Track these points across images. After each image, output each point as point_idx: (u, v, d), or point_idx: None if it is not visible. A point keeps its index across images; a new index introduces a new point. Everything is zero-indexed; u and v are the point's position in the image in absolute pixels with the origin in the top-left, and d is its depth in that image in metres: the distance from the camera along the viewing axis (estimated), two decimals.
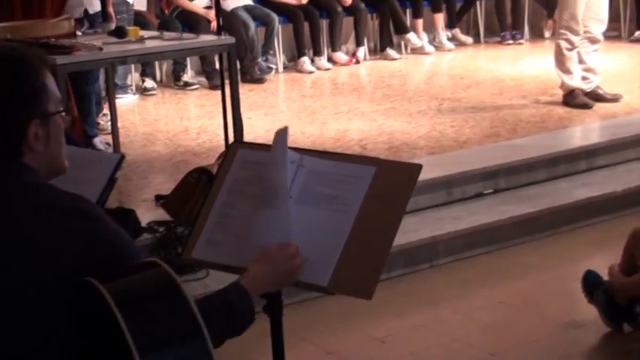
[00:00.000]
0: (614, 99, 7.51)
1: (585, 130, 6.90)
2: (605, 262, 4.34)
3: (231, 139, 6.01)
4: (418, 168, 2.50)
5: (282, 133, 2.54)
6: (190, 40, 5.82)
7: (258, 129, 7.19)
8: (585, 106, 7.31)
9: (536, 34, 11.18)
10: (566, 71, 7.40)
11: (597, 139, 6.68)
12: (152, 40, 5.67)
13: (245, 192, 2.60)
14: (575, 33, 7.28)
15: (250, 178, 2.62)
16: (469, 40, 10.98)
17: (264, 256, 2.34)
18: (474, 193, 5.79)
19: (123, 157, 3.27)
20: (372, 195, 2.48)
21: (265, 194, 2.48)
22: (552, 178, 6.07)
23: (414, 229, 5.19)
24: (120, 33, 5.62)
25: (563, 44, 7.33)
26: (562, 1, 7.34)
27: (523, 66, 9.48)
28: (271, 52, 9.56)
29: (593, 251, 5.25)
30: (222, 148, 5.94)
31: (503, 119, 7.13)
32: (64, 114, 2.21)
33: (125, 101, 8.35)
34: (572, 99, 7.40)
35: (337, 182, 2.52)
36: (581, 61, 7.44)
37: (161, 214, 5.15)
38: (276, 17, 9.47)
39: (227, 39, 5.92)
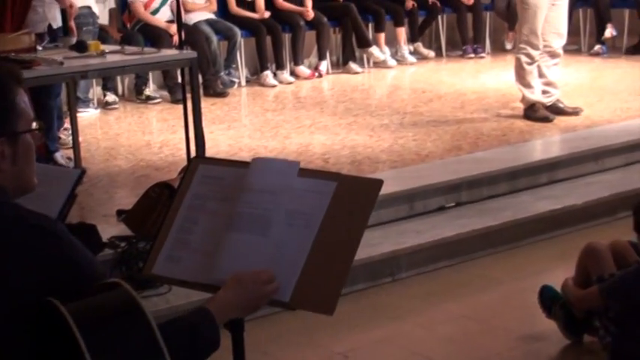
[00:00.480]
0: (575, 112, 7.58)
1: (546, 144, 6.96)
2: (566, 275, 4.36)
3: (193, 153, 6.02)
4: (379, 183, 2.51)
5: (268, 162, 2.53)
6: (152, 54, 5.81)
7: (220, 143, 7.19)
8: (546, 120, 7.37)
9: (498, 48, 11.26)
10: (527, 85, 7.45)
11: (558, 152, 6.73)
12: (113, 55, 5.66)
13: (206, 208, 2.60)
14: (535, 47, 7.34)
15: (211, 193, 2.62)
16: (431, 53, 11.04)
17: (237, 283, 2.32)
18: (435, 207, 5.81)
19: (83, 172, 3.25)
20: (333, 210, 2.48)
21: (243, 217, 2.48)
22: (514, 191, 6.11)
23: (376, 243, 5.19)
24: (81, 47, 5.60)
25: (524, 58, 7.39)
26: (522, 15, 7.39)
27: (484, 79, 9.54)
28: (234, 65, 9.56)
29: (554, 264, 5.28)
30: (185, 163, 5.93)
31: (465, 133, 7.17)
32: (36, 131, 2.18)
33: (87, 115, 8.31)
34: (533, 112, 7.45)
35: (298, 197, 2.51)
36: (541, 75, 7.50)
37: (123, 229, 5.12)
38: (238, 31, 9.47)
39: (188, 53, 5.92)
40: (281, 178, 2.53)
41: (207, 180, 2.66)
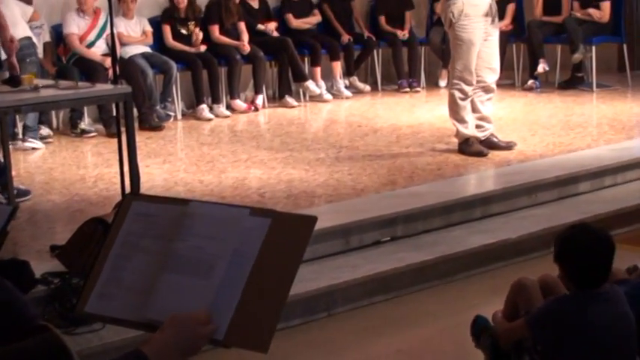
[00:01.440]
0: (508, 147, 7.67)
1: (480, 178, 7.03)
2: (500, 308, 4.40)
3: (128, 188, 5.98)
4: (313, 220, 2.51)
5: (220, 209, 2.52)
6: (86, 89, 5.78)
7: (156, 177, 7.16)
8: (480, 154, 7.44)
9: (433, 83, 11.37)
10: (461, 120, 7.52)
11: (492, 186, 6.80)
12: (47, 89, 5.62)
13: (139, 245, 2.58)
14: (469, 83, 7.42)
15: (145, 231, 2.60)
16: (367, 88, 11.11)
17: (174, 325, 2.29)
18: (371, 241, 5.83)
19: (15, 208, 3.22)
20: (267, 247, 2.47)
21: (181, 259, 2.46)
22: (448, 225, 6.15)
23: (311, 278, 5.19)
24: (14, 82, 5.55)
25: (457, 94, 7.46)
26: (455, 52, 7.46)
27: (420, 113, 9.62)
28: (169, 99, 9.53)
29: (488, 298, 5.30)
30: (119, 198, 5.90)
31: (400, 167, 7.22)
32: None
33: (33, 145, 8.26)
34: (467, 147, 7.52)
35: (235, 235, 2.51)
36: (475, 110, 7.58)
37: (56, 265, 5.07)
38: (174, 64, 9.46)
39: (123, 88, 5.90)
40: (224, 224, 2.52)
41: (141, 217, 2.64)
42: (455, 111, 7.52)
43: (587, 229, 3.66)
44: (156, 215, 2.61)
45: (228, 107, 9.89)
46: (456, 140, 7.67)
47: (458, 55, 7.42)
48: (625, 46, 10.87)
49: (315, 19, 10.89)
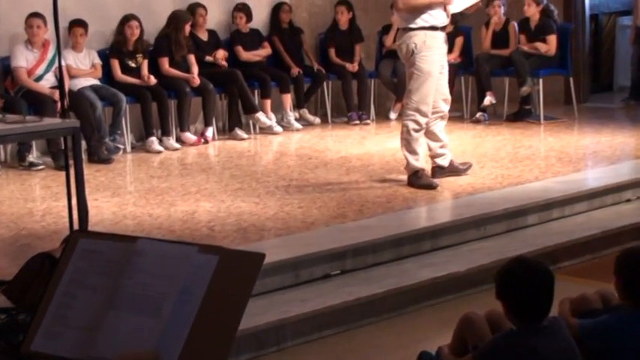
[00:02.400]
0: (466, 168, 7.85)
1: (429, 211, 7.07)
2: (448, 342, 4.41)
3: (76, 222, 5.94)
4: (261, 257, 2.51)
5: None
6: (34, 123, 5.74)
7: (104, 211, 7.11)
8: (430, 187, 7.49)
9: (382, 115, 11.42)
10: (412, 152, 7.57)
11: (441, 219, 6.84)
12: None
13: (86, 283, 2.56)
14: (424, 115, 7.48)
15: (92, 268, 2.59)
16: (317, 120, 11.14)
17: None
18: (321, 275, 5.83)
19: None
20: (215, 284, 2.47)
21: (129, 297, 2.45)
22: (398, 258, 6.17)
23: (261, 312, 5.17)
24: None
25: (411, 125, 7.51)
26: (413, 83, 7.48)
27: (369, 146, 9.66)
28: (119, 132, 9.48)
29: (437, 331, 5.32)
30: (67, 232, 5.86)
31: (350, 200, 7.23)
32: None
33: None
34: (417, 180, 7.56)
35: (183, 272, 2.50)
36: (437, 139, 7.70)
37: (3, 301, 5.00)
38: (123, 97, 9.42)
39: (71, 122, 5.88)
40: (171, 262, 2.51)
41: (88, 254, 2.62)
42: (408, 142, 7.56)
43: (524, 263, 3.70)
44: (103, 252, 2.60)
45: (178, 140, 9.86)
46: (404, 172, 7.71)
47: (415, 86, 7.47)
48: (571, 79, 11.01)
49: (265, 51, 10.92)
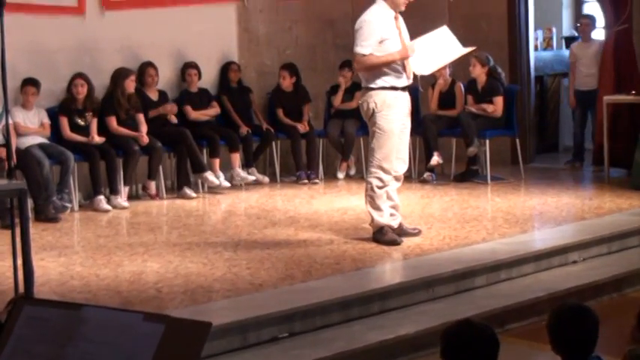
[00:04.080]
0: (416, 233, 7.87)
1: (378, 272, 7.07)
2: None
3: (21, 283, 5.86)
4: (208, 326, 2.50)
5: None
6: None
7: (50, 271, 7.04)
8: (394, 243, 7.55)
9: (331, 174, 11.47)
10: (377, 208, 7.62)
11: (389, 281, 6.86)
12: None
13: (30, 351, 2.54)
14: (387, 172, 7.57)
15: (37, 336, 2.56)
16: (265, 179, 11.14)
17: None
18: (269, 337, 5.79)
19: None
20: (161, 353, 2.46)
21: None
22: (346, 320, 6.14)
23: None
24: None
25: (375, 182, 7.57)
26: (375, 141, 7.56)
27: (318, 205, 9.67)
28: (66, 190, 9.41)
29: None
30: (12, 293, 5.78)
31: (299, 261, 7.21)
32: None
33: None
34: (382, 236, 7.61)
35: (127, 340, 2.49)
36: (388, 198, 7.71)
37: None
38: (71, 155, 9.37)
39: (17, 184, 5.82)
40: (117, 330, 2.49)
41: (33, 322, 2.60)
42: (371, 199, 7.62)
43: (470, 325, 3.71)
44: (48, 320, 2.57)
45: (126, 198, 9.82)
46: (352, 233, 7.77)
47: (378, 145, 7.55)
48: (517, 140, 11.14)
49: (214, 110, 10.94)
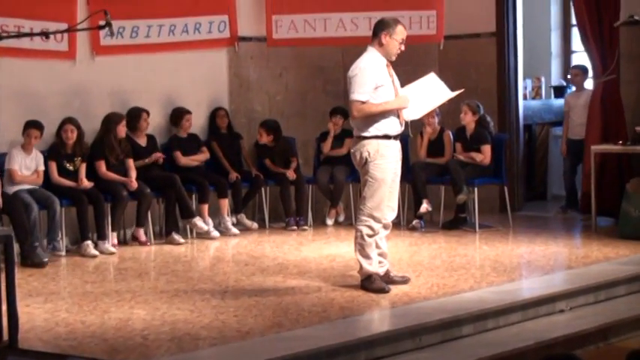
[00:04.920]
0: (404, 281, 7.87)
1: (365, 321, 7.05)
2: None
3: (5, 329, 5.83)
4: None
5: None
6: None
7: (36, 317, 7.00)
8: (382, 291, 7.56)
9: (320, 221, 11.51)
10: (366, 257, 7.65)
11: (376, 329, 6.82)
12: None
13: None
14: (378, 220, 7.61)
15: None
16: (254, 225, 11.17)
17: None
18: None
19: None
20: None
21: None
22: None
23: None
24: None
25: (365, 230, 7.61)
26: (367, 190, 7.61)
27: (306, 252, 9.68)
28: (54, 235, 9.41)
29: None
30: None
31: (286, 308, 7.20)
32: None
33: None
34: (370, 284, 7.62)
35: None
36: (376, 246, 7.73)
37: None
38: (57, 200, 9.40)
39: (4, 230, 5.83)
40: None
41: None
42: (361, 247, 7.66)
43: None
44: None
45: (114, 244, 9.83)
46: (340, 280, 7.79)
47: (369, 193, 7.61)
48: (506, 188, 11.19)
49: (204, 156, 10.98)
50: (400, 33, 7.64)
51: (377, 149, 7.56)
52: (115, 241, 9.98)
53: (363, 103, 7.54)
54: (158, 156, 10.49)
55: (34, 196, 9.32)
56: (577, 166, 11.71)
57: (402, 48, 7.68)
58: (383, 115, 7.58)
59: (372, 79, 7.57)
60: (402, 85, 7.85)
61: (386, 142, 7.60)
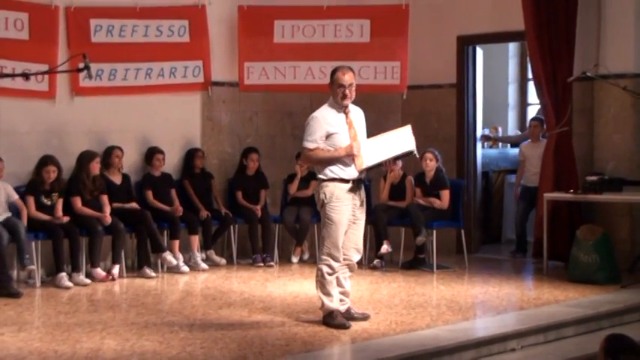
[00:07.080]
0: (364, 318, 8.17)
1: (325, 356, 7.24)
2: None
3: None
4: None
5: None
6: None
7: (10, 346, 7.19)
8: (343, 327, 7.83)
9: (285, 259, 11.87)
10: (327, 294, 7.95)
11: None
12: None
13: None
14: (336, 260, 7.92)
15: None
16: (223, 261, 11.54)
17: None
18: None
19: None
20: None
21: None
22: None
23: None
24: None
25: (325, 269, 7.92)
26: (325, 230, 7.93)
27: (272, 288, 9.96)
28: (27, 256, 9.66)
29: None
30: None
31: (251, 341, 7.41)
32: None
33: None
34: (332, 320, 7.92)
35: None
36: (339, 285, 8.06)
37: None
38: (20, 221, 9.72)
39: None
40: None
41: None
42: (322, 285, 7.96)
43: None
44: None
45: (88, 275, 10.15)
46: (303, 316, 8.08)
47: (327, 234, 7.92)
48: (463, 231, 11.58)
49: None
50: (338, 79, 7.92)
51: (333, 192, 7.88)
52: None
53: (311, 150, 7.92)
54: (134, 207, 10.86)
55: (6, 226, 9.62)
56: (529, 212, 12.11)
57: (348, 93, 7.89)
58: (338, 159, 7.91)
59: (322, 127, 7.91)
60: (378, 132, 8.16)
61: (342, 186, 7.90)
